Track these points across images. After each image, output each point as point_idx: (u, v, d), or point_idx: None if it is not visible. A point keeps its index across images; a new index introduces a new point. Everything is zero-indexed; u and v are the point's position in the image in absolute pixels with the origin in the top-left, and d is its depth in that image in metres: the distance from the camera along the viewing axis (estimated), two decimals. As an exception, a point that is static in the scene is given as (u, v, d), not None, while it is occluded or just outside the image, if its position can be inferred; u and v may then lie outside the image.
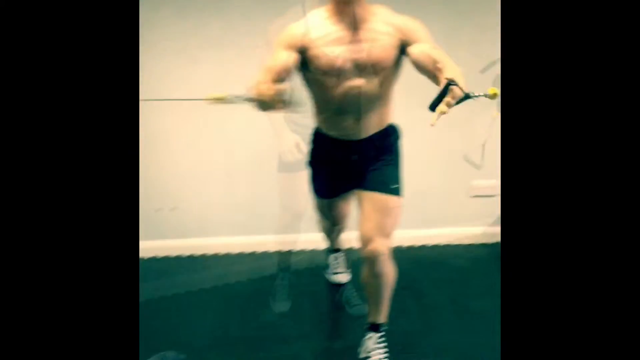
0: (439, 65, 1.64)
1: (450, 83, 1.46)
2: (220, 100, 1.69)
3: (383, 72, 1.81)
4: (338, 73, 1.78)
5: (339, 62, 1.76)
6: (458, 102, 1.50)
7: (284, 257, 2.72)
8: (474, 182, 2.94)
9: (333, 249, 2.62)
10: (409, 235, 2.93)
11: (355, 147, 1.93)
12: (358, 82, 1.80)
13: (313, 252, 2.93)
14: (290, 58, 1.77)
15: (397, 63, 1.84)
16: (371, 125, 1.90)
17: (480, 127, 2.78)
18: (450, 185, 2.95)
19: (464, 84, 1.52)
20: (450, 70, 1.60)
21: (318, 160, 2.09)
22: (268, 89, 1.56)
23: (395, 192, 1.93)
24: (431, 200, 2.95)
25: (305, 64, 1.82)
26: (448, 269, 2.77)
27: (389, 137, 1.98)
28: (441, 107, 1.45)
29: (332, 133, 1.94)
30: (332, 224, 2.37)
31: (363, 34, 1.76)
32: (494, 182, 2.93)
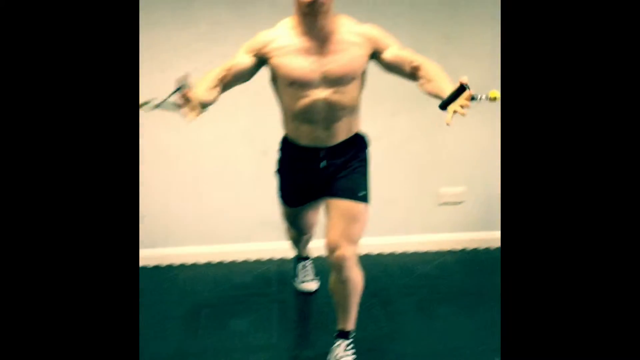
0: (415, 64, 1.80)
1: (463, 86, 1.59)
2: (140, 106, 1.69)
3: (351, 83, 1.83)
4: (304, 84, 1.80)
5: (301, 73, 1.78)
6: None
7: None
8: (441, 189, 2.97)
9: (301, 257, 2.62)
10: (377, 242, 2.94)
11: (323, 155, 1.94)
12: (325, 93, 1.81)
13: (281, 261, 2.91)
14: (245, 60, 1.81)
15: (364, 72, 1.87)
16: (339, 134, 1.92)
17: (448, 135, 2.84)
18: (418, 193, 2.98)
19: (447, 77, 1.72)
20: (428, 66, 1.78)
21: (286, 168, 2.09)
22: (195, 95, 1.59)
23: (363, 199, 1.93)
24: (399, 207, 2.97)
25: (273, 73, 1.84)
26: (416, 275, 2.78)
27: (357, 144, 2.00)
28: (455, 106, 1.58)
29: (301, 141, 1.94)
30: (299, 232, 2.37)
31: (330, 45, 1.78)
32: (461, 190, 2.97)
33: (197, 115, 1.60)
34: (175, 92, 1.61)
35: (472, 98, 1.59)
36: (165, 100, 1.63)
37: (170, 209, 2.86)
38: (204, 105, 1.66)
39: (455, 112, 1.58)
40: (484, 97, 1.61)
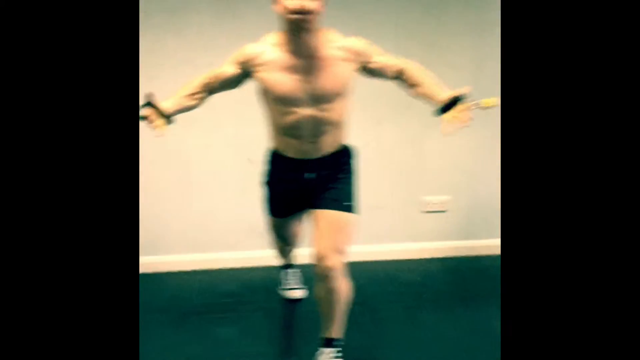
0: (398, 69, 1.92)
1: (457, 98, 1.74)
2: None
3: (337, 99, 1.85)
4: (290, 101, 1.81)
5: (287, 90, 1.80)
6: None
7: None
8: (425, 198, 3.01)
9: (287, 265, 2.63)
10: (362, 250, 2.96)
11: (310, 166, 1.95)
12: (312, 110, 1.83)
13: (268, 269, 2.93)
14: (231, 71, 1.86)
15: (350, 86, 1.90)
16: (326, 147, 1.93)
17: (433, 143, 2.88)
18: (403, 201, 3.01)
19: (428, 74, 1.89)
20: (412, 69, 1.91)
21: (273, 180, 2.10)
22: (161, 111, 1.79)
23: (349, 209, 1.95)
24: (384, 215, 3.00)
25: (259, 86, 1.86)
26: (401, 283, 2.81)
27: (343, 156, 2.02)
28: (449, 116, 1.75)
29: (287, 153, 1.96)
30: (285, 243, 2.38)
31: (316, 62, 1.79)
32: (444, 198, 3.01)
33: (163, 129, 1.80)
34: (142, 107, 1.76)
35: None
36: None
37: (157, 217, 2.86)
38: (170, 120, 1.83)
39: (451, 121, 1.75)
40: (477, 103, 1.74)
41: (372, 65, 1.89)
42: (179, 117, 2.63)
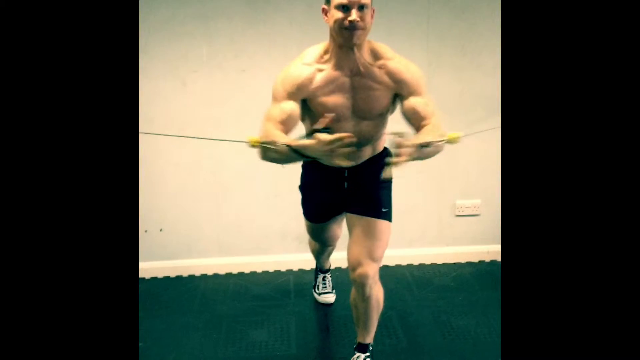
0: (424, 123, 1.71)
1: (395, 134, 1.47)
2: (257, 144, 1.69)
3: (380, 116, 1.83)
4: (336, 118, 1.73)
5: (337, 110, 1.74)
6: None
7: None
8: (457, 201, 2.99)
9: (321, 270, 2.65)
10: (395, 254, 2.95)
11: (348, 173, 1.94)
12: (355, 125, 1.80)
13: (300, 272, 2.95)
14: (294, 108, 1.74)
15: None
16: (364, 155, 1.92)
17: (465, 147, 2.85)
18: (435, 205, 3.00)
19: (441, 138, 1.61)
20: (432, 130, 1.66)
21: (310, 185, 2.10)
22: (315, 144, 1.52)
23: (385, 216, 1.92)
24: (417, 219, 2.99)
25: (304, 102, 1.79)
26: (434, 287, 2.80)
27: (380, 160, 1.97)
28: (391, 163, 1.46)
29: (323, 162, 1.93)
30: (323, 245, 2.38)
31: (363, 81, 1.73)
32: (477, 202, 2.99)
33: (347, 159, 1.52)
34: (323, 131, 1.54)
35: (427, 144, 1.51)
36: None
37: (192, 222, 2.91)
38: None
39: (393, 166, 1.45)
40: (442, 140, 1.53)
41: (406, 102, 1.75)
42: (211, 122, 2.68)
